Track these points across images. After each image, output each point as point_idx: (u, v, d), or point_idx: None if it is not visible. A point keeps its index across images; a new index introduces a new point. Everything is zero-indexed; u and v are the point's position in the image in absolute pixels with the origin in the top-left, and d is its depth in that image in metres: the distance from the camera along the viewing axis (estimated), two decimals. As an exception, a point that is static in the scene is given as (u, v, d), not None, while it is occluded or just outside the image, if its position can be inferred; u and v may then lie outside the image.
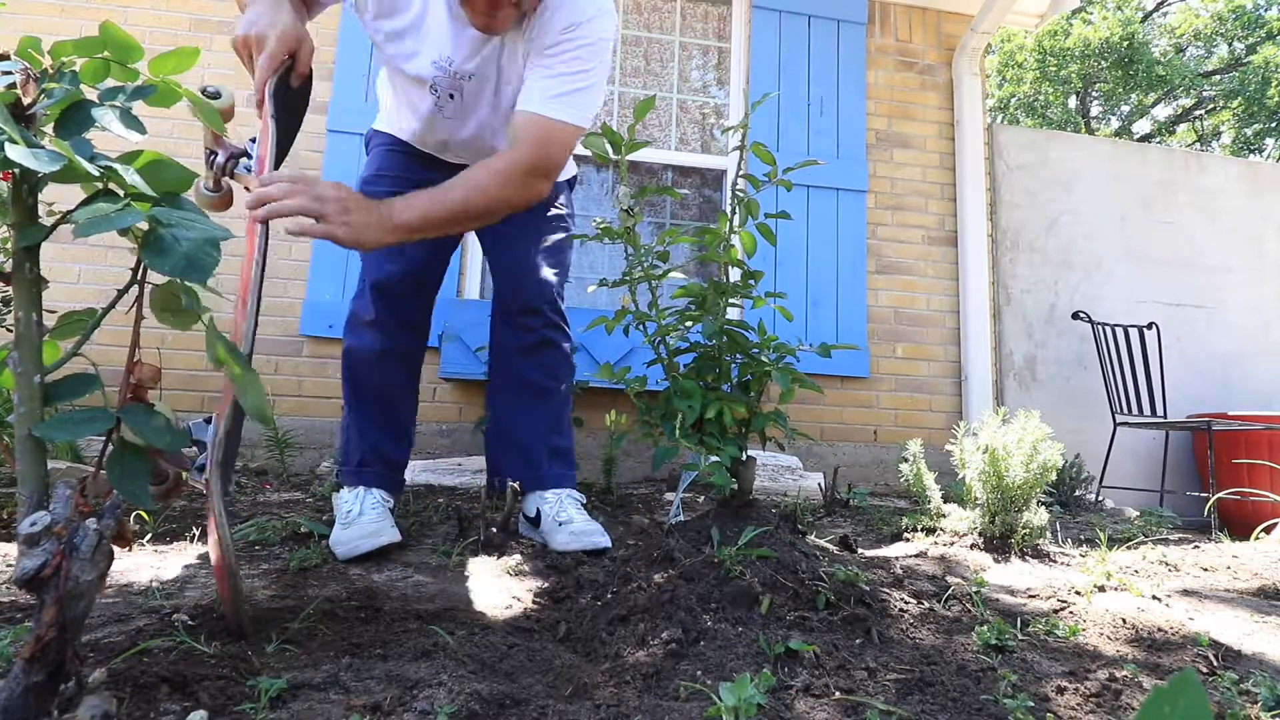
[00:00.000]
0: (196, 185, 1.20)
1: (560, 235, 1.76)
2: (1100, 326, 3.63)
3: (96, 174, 0.65)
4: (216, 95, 1.11)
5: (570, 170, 1.84)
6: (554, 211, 1.77)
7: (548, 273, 1.71)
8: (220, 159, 1.18)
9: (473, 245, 3.25)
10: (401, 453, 1.72)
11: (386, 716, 0.75)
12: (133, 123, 0.71)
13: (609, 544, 1.57)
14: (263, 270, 1.09)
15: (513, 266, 1.70)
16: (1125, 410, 3.56)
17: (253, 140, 1.21)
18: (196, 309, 0.75)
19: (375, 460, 1.65)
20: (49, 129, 0.70)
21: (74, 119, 0.69)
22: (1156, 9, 14.22)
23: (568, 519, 1.61)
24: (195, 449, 0.98)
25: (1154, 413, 3.58)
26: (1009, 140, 3.94)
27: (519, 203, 1.38)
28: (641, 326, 1.40)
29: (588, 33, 1.41)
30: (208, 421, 0.99)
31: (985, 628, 1.07)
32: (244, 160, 1.21)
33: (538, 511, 1.65)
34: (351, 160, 3.01)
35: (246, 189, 1.19)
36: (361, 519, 1.52)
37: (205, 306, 0.77)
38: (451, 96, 1.52)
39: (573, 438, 1.81)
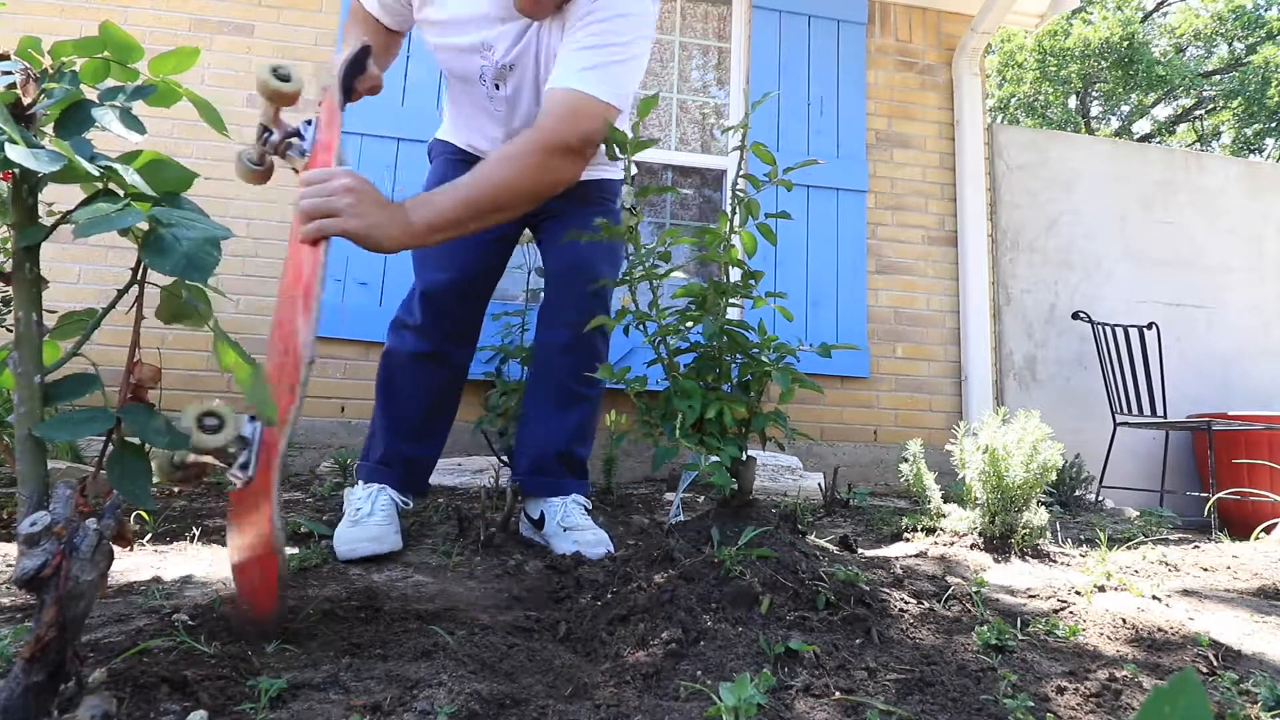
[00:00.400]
0: (241, 155, 1.19)
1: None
2: (1100, 326, 3.63)
3: (96, 174, 0.65)
4: (287, 78, 1.10)
5: (620, 168, 1.73)
6: (605, 208, 1.74)
7: (603, 277, 1.65)
8: (275, 137, 1.17)
9: (473, 245, 3.25)
10: (428, 456, 1.70)
11: (386, 716, 0.75)
12: (133, 123, 0.71)
13: (610, 548, 1.56)
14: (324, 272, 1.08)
15: (566, 269, 1.67)
16: (1125, 410, 3.56)
17: (308, 122, 1.19)
18: (200, 308, 0.75)
19: (396, 461, 1.63)
20: (49, 129, 0.70)
21: (74, 119, 0.69)
22: (1156, 9, 14.22)
23: (573, 524, 1.59)
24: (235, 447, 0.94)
25: (1154, 413, 3.58)
26: (1009, 140, 3.94)
27: (545, 185, 1.29)
28: (642, 326, 1.40)
29: (636, 24, 1.39)
30: (253, 420, 0.94)
31: (985, 628, 1.07)
32: (296, 141, 1.18)
33: (541, 514, 1.64)
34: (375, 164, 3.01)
35: (295, 170, 1.19)
36: (369, 520, 1.51)
37: (210, 308, 0.77)
38: (498, 87, 1.53)
39: (591, 447, 1.78)
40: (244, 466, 0.92)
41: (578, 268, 1.66)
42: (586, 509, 1.69)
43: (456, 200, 1.20)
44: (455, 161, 1.68)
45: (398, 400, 1.64)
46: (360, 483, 1.62)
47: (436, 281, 1.60)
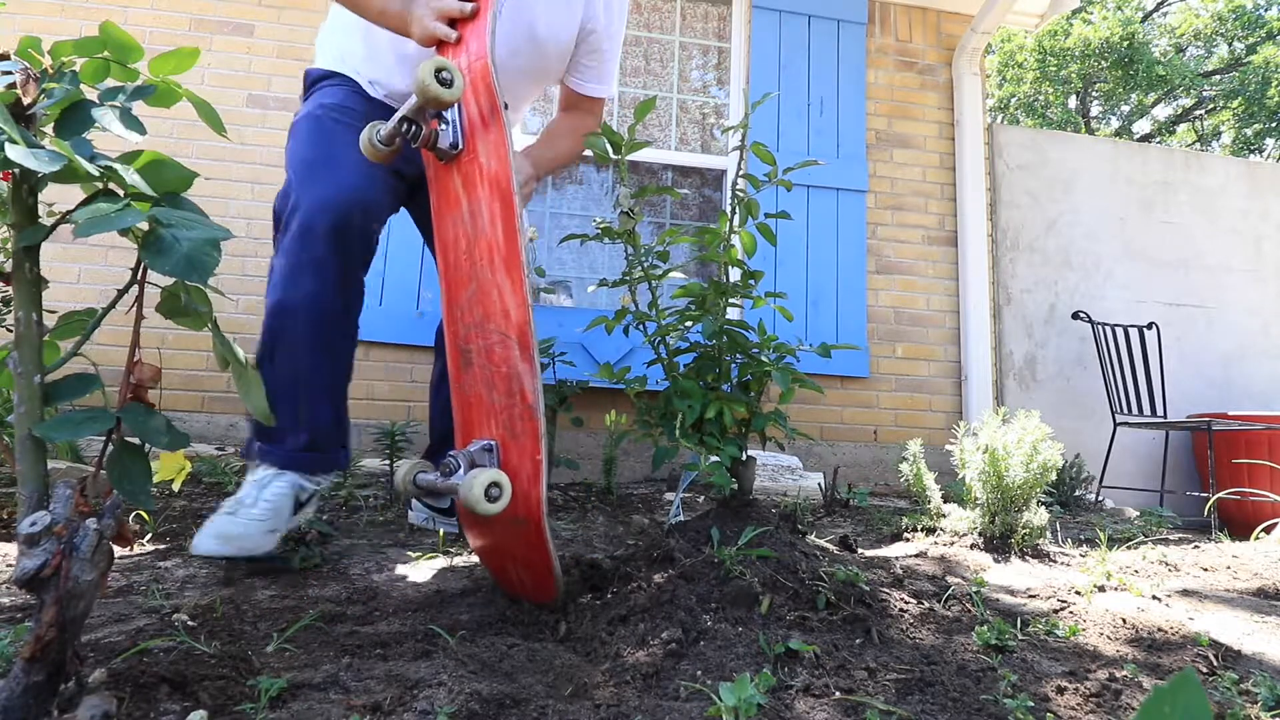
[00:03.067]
0: (373, 132, 1.13)
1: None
2: (1100, 326, 3.63)
3: (96, 174, 0.65)
4: (449, 83, 1.03)
5: None
6: None
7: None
8: (423, 131, 1.10)
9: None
10: (345, 421, 1.46)
11: (386, 716, 0.75)
12: (133, 123, 0.71)
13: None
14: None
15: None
16: (1125, 410, 3.56)
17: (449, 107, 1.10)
18: (201, 308, 0.75)
19: (322, 435, 1.37)
20: (49, 129, 0.70)
21: (74, 119, 0.69)
22: (1156, 9, 14.22)
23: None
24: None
25: (1154, 413, 3.58)
26: (1009, 140, 3.94)
27: None
28: (641, 326, 1.40)
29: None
30: (488, 450, 1.05)
31: (985, 628, 1.07)
32: (443, 130, 1.11)
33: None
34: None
35: (439, 158, 1.13)
36: (246, 512, 1.26)
37: (210, 308, 0.77)
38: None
39: None
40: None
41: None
42: None
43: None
44: (361, 96, 1.51)
45: (304, 352, 1.33)
46: (259, 465, 1.33)
47: (341, 197, 1.31)
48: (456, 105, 1.10)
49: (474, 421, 1.09)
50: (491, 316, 1.05)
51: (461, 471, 1.03)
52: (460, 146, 1.10)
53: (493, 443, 1.05)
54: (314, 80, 1.57)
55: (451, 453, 1.07)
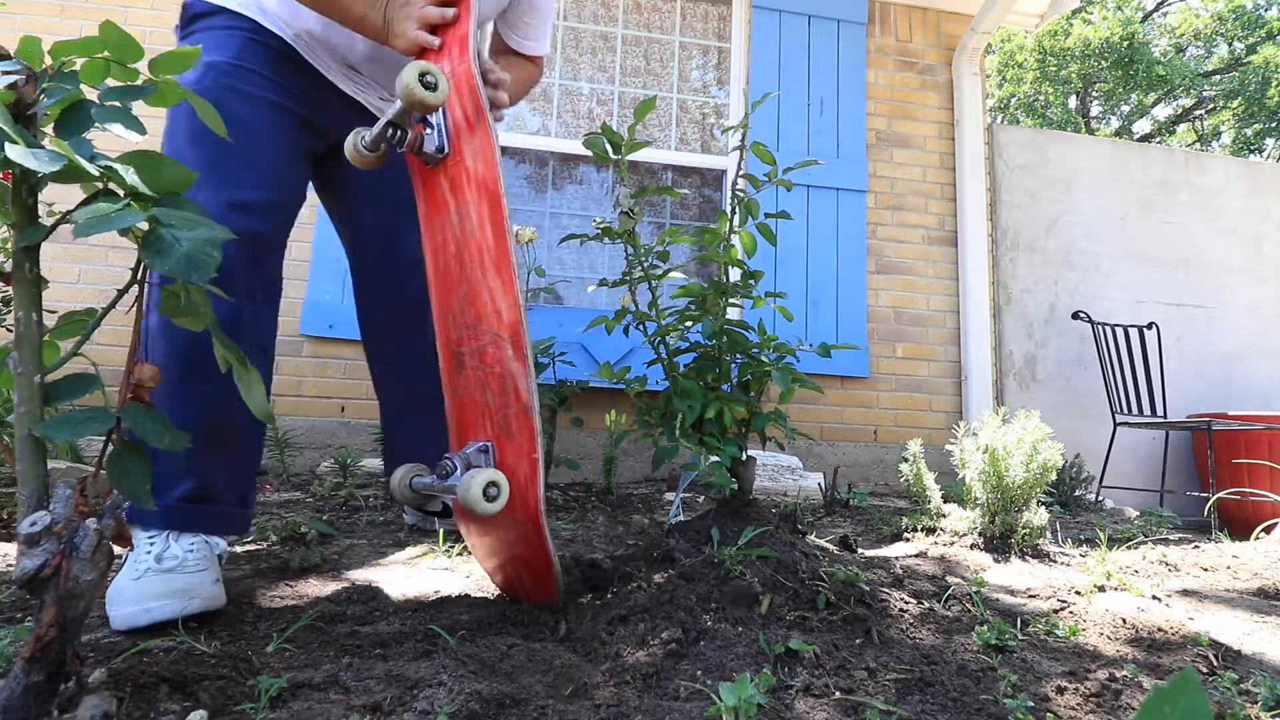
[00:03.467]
0: (357, 138, 1.09)
1: None
2: (1100, 326, 3.63)
3: (96, 174, 0.65)
4: (434, 86, 1.01)
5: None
6: None
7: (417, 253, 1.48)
8: (409, 136, 1.08)
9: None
10: (253, 470, 1.25)
11: (386, 716, 0.75)
12: (133, 123, 0.71)
13: None
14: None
15: (390, 232, 1.42)
16: (1125, 410, 3.56)
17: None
18: (201, 308, 0.75)
19: (218, 490, 1.15)
20: (49, 129, 0.70)
21: (74, 119, 0.69)
22: (1156, 9, 14.22)
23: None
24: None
25: (1154, 413, 3.58)
26: (1009, 140, 3.94)
27: None
28: (641, 326, 1.40)
29: None
30: (484, 451, 1.04)
31: (985, 628, 1.07)
32: (429, 134, 1.09)
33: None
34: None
35: (426, 163, 1.10)
36: (175, 566, 1.03)
37: (210, 308, 0.77)
38: None
39: None
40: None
41: (400, 233, 1.41)
42: None
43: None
44: (258, 45, 1.23)
45: (211, 398, 1.10)
46: (142, 528, 1.09)
47: (254, 201, 1.13)
48: (441, 109, 1.09)
49: (468, 423, 1.09)
50: (484, 318, 1.05)
51: (459, 473, 1.03)
52: (446, 150, 1.09)
53: (488, 444, 1.05)
54: (193, 16, 1.26)
55: (448, 454, 1.07)
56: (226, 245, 1.08)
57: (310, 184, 1.43)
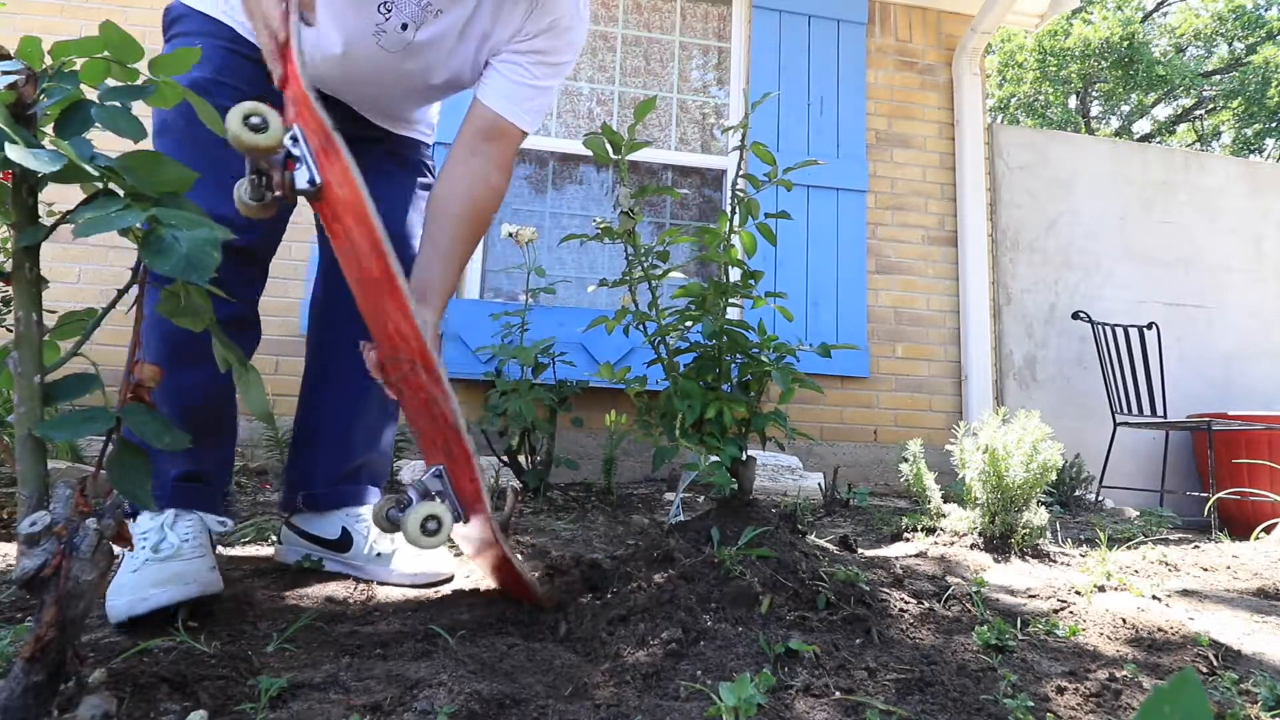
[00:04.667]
0: (238, 191, 1.00)
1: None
2: (1100, 326, 3.63)
3: (96, 174, 0.65)
4: (262, 127, 0.91)
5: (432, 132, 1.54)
6: (426, 179, 1.47)
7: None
8: (275, 178, 0.98)
9: (473, 245, 3.25)
10: (231, 455, 1.30)
11: (386, 716, 0.75)
12: (132, 123, 0.71)
13: (453, 573, 1.35)
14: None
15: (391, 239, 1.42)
16: (1125, 410, 3.56)
17: (294, 139, 0.97)
18: (201, 309, 0.75)
19: (208, 472, 1.20)
20: (49, 129, 0.70)
21: (74, 119, 0.69)
22: (1156, 9, 14.22)
23: (387, 548, 1.33)
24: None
25: (1154, 413, 3.58)
26: (1009, 140, 3.94)
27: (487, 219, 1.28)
28: (641, 326, 1.40)
29: (576, 40, 1.27)
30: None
31: (985, 628, 1.07)
32: (300, 171, 0.98)
33: (344, 532, 1.33)
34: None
35: (308, 198, 1.01)
36: (173, 554, 1.06)
37: (210, 308, 0.77)
38: (404, 28, 1.17)
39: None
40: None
41: (401, 239, 1.35)
42: None
43: (447, 281, 1.19)
44: (238, 57, 1.18)
45: (200, 383, 1.13)
46: (144, 513, 1.13)
47: (231, 216, 1.07)
48: (302, 140, 0.98)
49: (424, 449, 1.12)
50: (397, 345, 1.03)
51: (414, 503, 1.03)
52: (319, 181, 0.99)
53: (441, 467, 1.06)
54: (174, 19, 1.25)
55: (410, 482, 1.10)
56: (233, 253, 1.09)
57: None
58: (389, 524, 1.07)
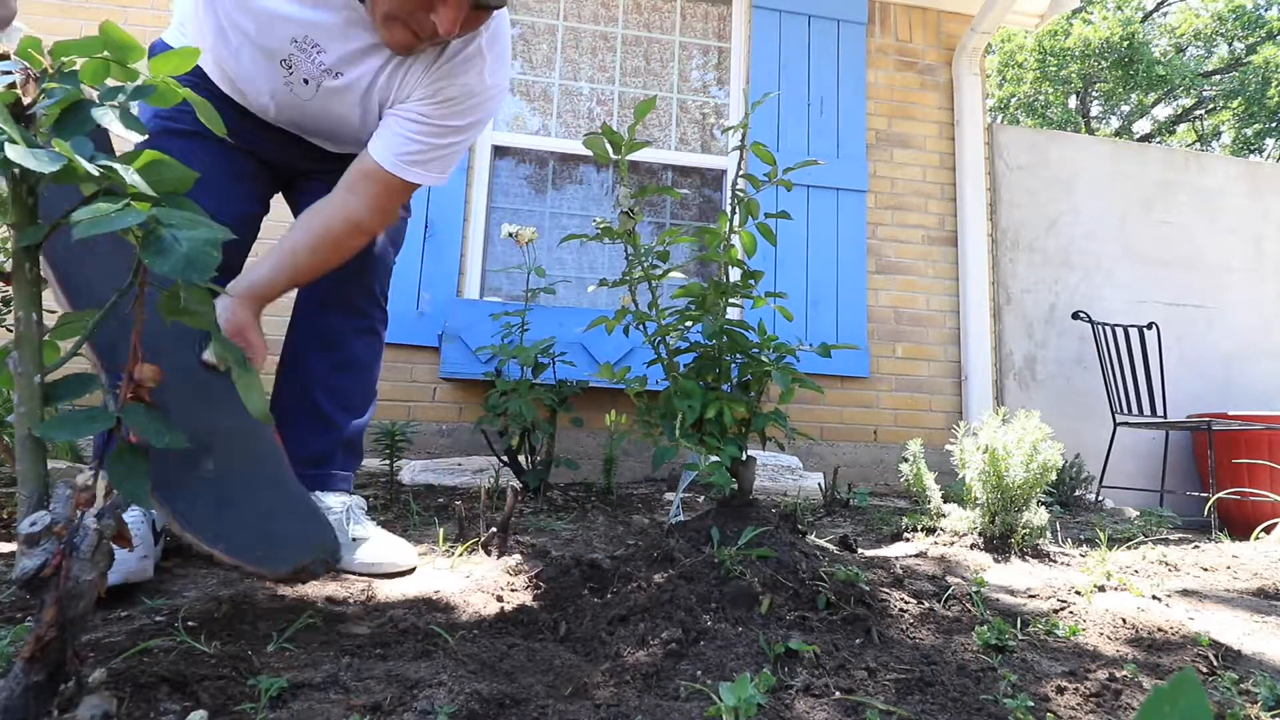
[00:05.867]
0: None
1: (403, 218, 1.59)
2: (1100, 326, 3.63)
3: (96, 174, 0.65)
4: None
5: None
6: None
7: (389, 256, 1.56)
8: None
9: (473, 243, 3.25)
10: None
11: (386, 716, 0.75)
12: (133, 123, 0.71)
13: (415, 564, 1.40)
14: None
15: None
16: (1125, 410, 3.56)
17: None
18: (200, 309, 0.75)
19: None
20: (49, 129, 0.70)
21: (74, 119, 0.69)
22: (1156, 9, 14.22)
23: (362, 535, 1.39)
24: None
25: (1154, 413, 3.58)
26: (1009, 140, 3.94)
27: (346, 257, 1.35)
28: (641, 326, 1.40)
29: (480, 108, 1.31)
30: None
31: (985, 628, 1.07)
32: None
33: None
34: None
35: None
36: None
37: (210, 308, 0.77)
38: (306, 83, 1.27)
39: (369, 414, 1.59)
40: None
41: (375, 258, 1.49)
42: (366, 510, 1.49)
43: (266, 279, 1.25)
44: (204, 93, 1.28)
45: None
46: None
47: None
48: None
49: None
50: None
51: None
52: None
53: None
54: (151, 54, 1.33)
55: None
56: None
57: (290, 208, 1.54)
58: None
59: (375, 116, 1.32)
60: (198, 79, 1.31)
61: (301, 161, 1.46)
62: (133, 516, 1.21)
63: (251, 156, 1.40)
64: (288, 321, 1.55)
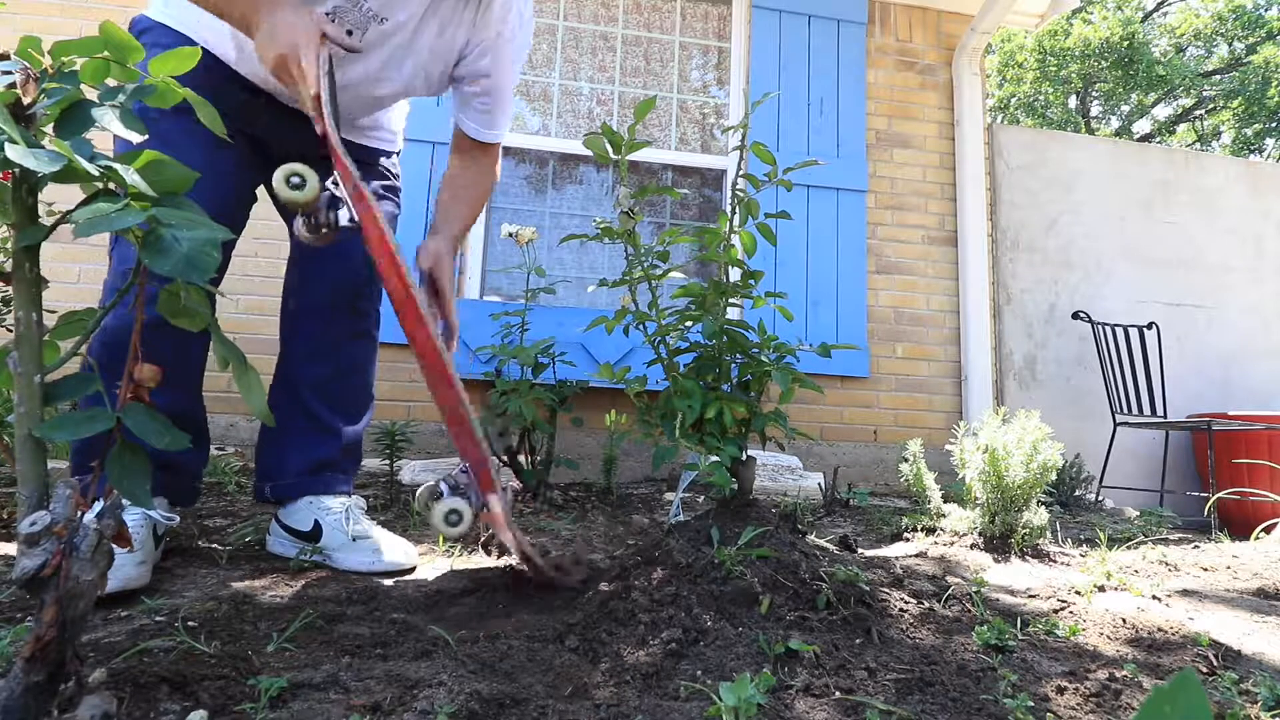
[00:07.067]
0: (296, 229, 1.21)
1: (395, 212, 1.59)
2: (1100, 326, 3.63)
3: (96, 174, 0.65)
4: (300, 184, 1.10)
5: (400, 141, 1.66)
6: (387, 181, 1.58)
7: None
8: (321, 218, 1.17)
9: (473, 243, 3.25)
10: (203, 449, 1.42)
11: (386, 716, 0.75)
12: (133, 123, 0.71)
13: (415, 564, 1.41)
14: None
15: (349, 247, 1.42)
16: (1125, 410, 3.56)
17: (334, 182, 1.16)
18: (200, 309, 0.75)
19: (163, 465, 1.25)
20: (49, 129, 0.70)
21: (74, 119, 0.69)
22: (1156, 9, 14.22)
23: (362, 535, 1.40)
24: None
25: (1154, 413, 3.58)
26: (1009, 140, 3.94)
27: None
28: (641, 326, 1.40)
29: (522, 49, 1.46)
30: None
31: (985, 628, 1.07)
32: (343, 211, 1.16)
33: (315, 524, 1.41)
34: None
35: (346, 237, 1.20)
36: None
37: (210, 308, 0.77)
38: (350, 34, 1.26)
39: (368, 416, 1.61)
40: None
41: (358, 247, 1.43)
42: (365, 510, 1.50)
43: (460, 223, 1.46)
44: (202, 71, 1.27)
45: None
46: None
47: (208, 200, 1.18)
48: (342, 187, 1.17)
49: (460, 447, 1.23)
50: (424, 355, 1.19)
51: (444, 496, 1.18)
52: (357, 220, 1.18)
53: (467, 465, 1.19)
54: (141, 31, 1.31)
55: (445, 476, 1.22)
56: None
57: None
58: (429, 510, 1.23)
59: (421, 68, 1.37)
60: (204, 60, 1.24)
61: (305, 145, 1.36)
62: (133, 519, 1.20)
63: (246, 141, 1.35)
64: (277, 325, 1.56)
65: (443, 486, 1.19)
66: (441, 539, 1.61)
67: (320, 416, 1.47)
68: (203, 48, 1.20)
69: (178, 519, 1.30)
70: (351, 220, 1.17)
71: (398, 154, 1.65)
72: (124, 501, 1.13)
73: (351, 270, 1.48)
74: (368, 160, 1.52)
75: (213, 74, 1.26)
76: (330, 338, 1.50)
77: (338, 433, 1.49)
